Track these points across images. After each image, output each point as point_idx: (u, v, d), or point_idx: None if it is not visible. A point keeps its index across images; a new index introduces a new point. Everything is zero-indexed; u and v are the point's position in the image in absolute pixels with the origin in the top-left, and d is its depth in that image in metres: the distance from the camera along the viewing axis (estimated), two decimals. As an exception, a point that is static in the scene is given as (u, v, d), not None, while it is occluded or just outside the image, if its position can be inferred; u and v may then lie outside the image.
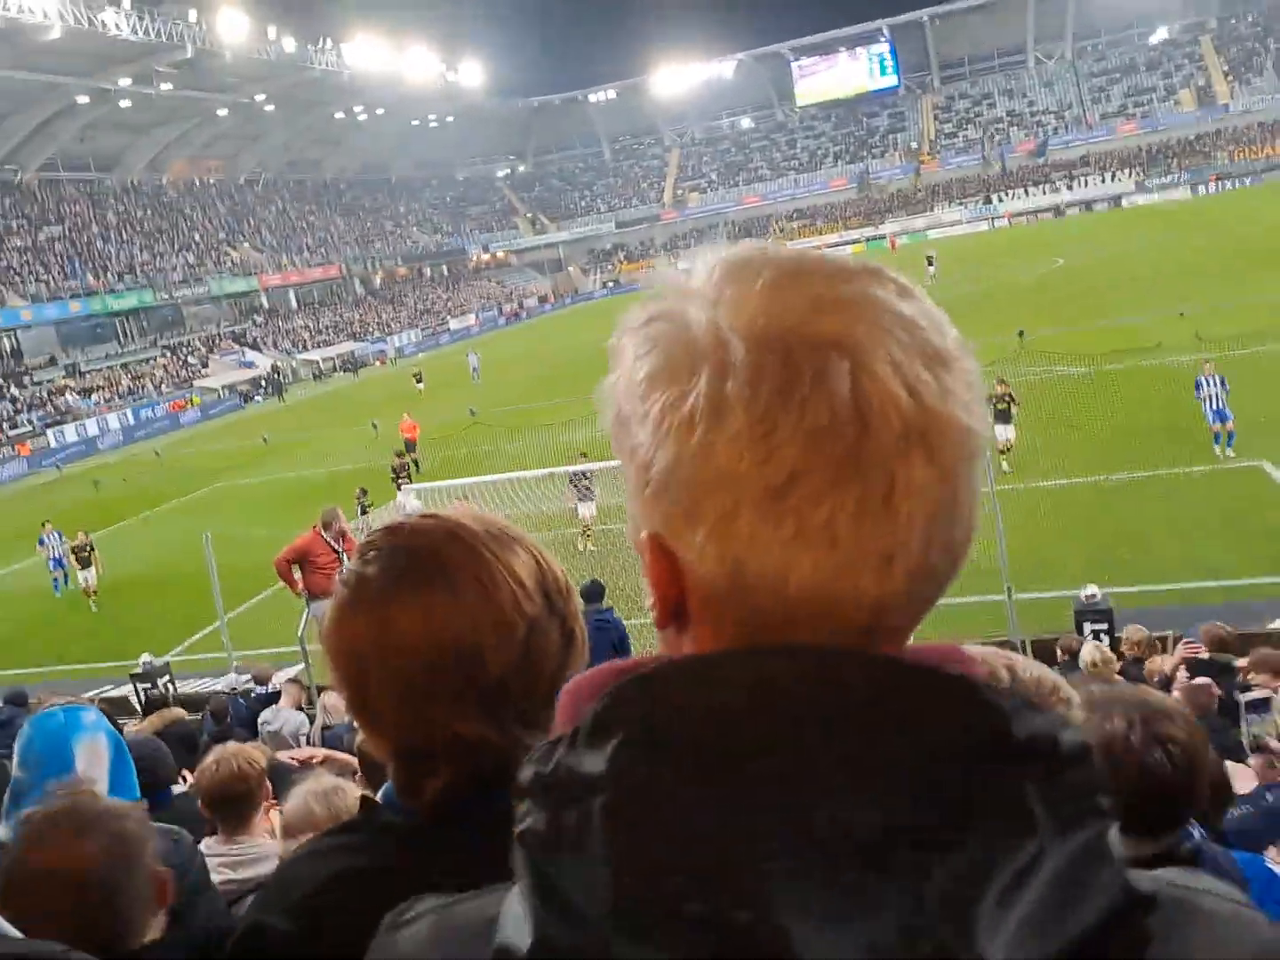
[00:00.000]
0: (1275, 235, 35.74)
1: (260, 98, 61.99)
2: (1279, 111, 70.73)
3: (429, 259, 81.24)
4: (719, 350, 0.54)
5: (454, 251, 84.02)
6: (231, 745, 3.33)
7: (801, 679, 0.51)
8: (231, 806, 2.99)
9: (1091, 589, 8.80)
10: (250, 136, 68.50)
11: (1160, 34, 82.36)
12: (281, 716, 7.29)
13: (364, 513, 15.88)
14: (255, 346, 56.80)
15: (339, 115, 72.08)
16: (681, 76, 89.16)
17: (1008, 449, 14.79)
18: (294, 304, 65.91)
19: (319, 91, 64.98)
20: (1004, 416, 14.45)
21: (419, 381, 36.22)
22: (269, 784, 3.17)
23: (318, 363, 56.11)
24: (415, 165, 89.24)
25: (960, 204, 76.15)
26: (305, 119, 69.89)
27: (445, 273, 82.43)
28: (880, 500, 0.52)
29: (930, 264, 41.15)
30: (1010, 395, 14.75)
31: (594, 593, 7.82)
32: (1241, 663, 5.25)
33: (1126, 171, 72.57)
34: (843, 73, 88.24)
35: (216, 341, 56.02)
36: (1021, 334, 22.59)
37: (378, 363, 57.03)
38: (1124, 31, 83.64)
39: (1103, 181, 72.78)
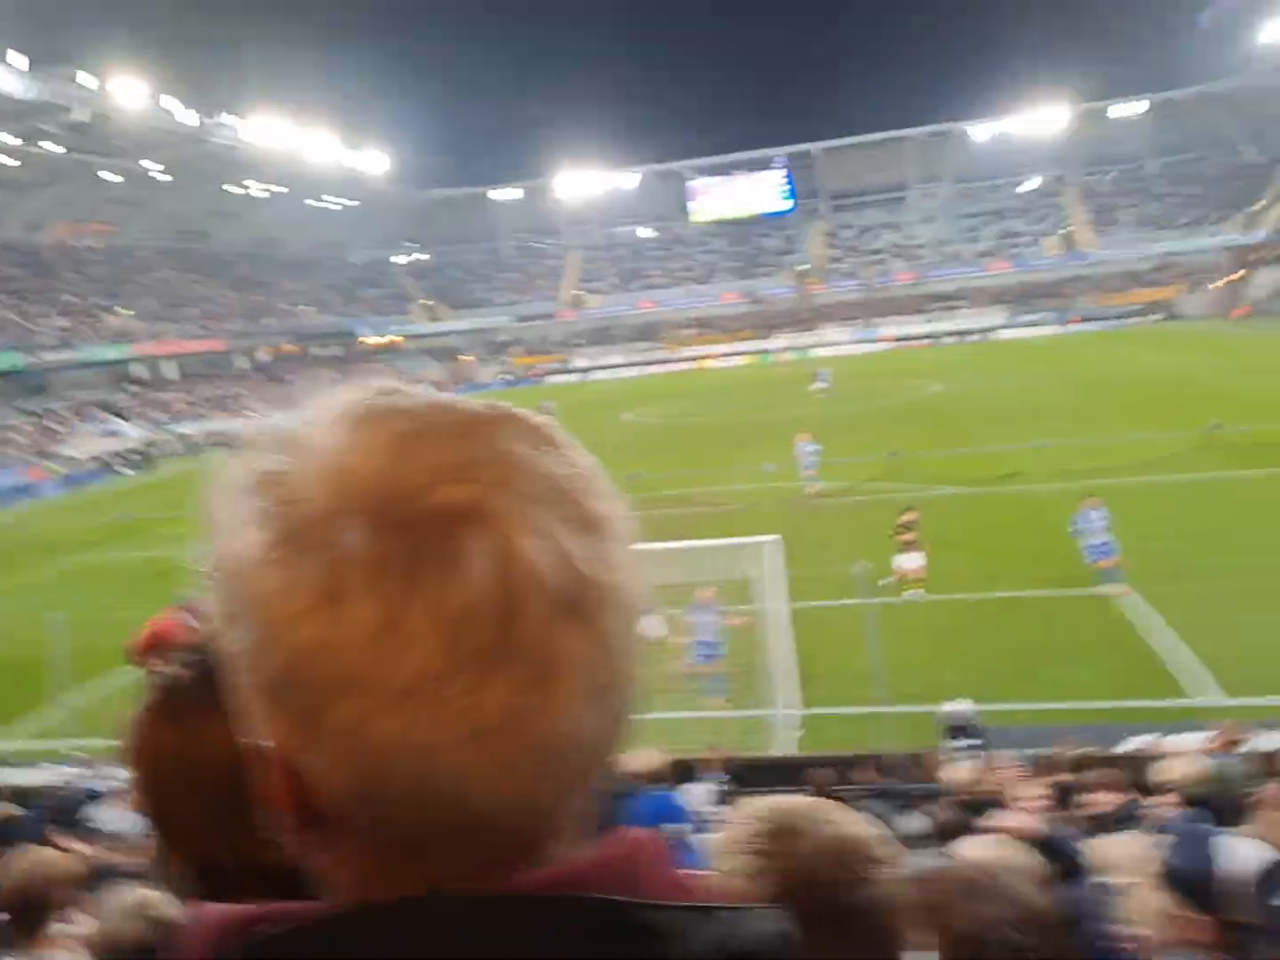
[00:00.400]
0: (1129, 378, 38.67)
1: (152, 165, 61.01)
2: (1134, 263, 77.63)
3: (318, 339, 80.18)
4: (336, 527, 0.46)
5: (344, 333, 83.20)
6: (37, 846, 3.05)
7: (443, 942, 0.45)
8: (17, 914, 2.73)
9: (961, 704, 9.02)
10: (139, 203, 67.13)
11: (1030, 183, 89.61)
12: (115, 814, 6.73)
13: None
14: (125, 416, 54.52)
15: (233, 189, 71.43)
16: (585, 183, 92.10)
17: (918, 578, 14.58)
18: (171, 375, 63.78)
19: (214, 164, 64.47)
20: (911, 546, 14.54)
21: None
22: (78, 892, 2.89)
23: (192, 436, 54.17)
24: (310, 245, 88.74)
25: (844, 325, 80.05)
26: (198, 190, 69.03)
27: (334, 354, 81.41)
28: (535, 686, 0.46)
29: (818, 379, 42.54)
30: (915, 524, 14.80)
31: None
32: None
33: (996, 307, 77.87)
34: (739, 194, 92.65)
35: (85, 410, 53.59)
36: (895, 454, 23.53)
37: (257, 440, 55.21)
38: (997, 178, 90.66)
39: (975, 315, 77.80)
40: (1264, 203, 76.04)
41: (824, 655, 12.29)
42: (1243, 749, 7.09)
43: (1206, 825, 2.77)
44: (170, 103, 57.33)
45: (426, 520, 0.46)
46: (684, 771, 7.18)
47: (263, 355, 73.54)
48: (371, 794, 0.47)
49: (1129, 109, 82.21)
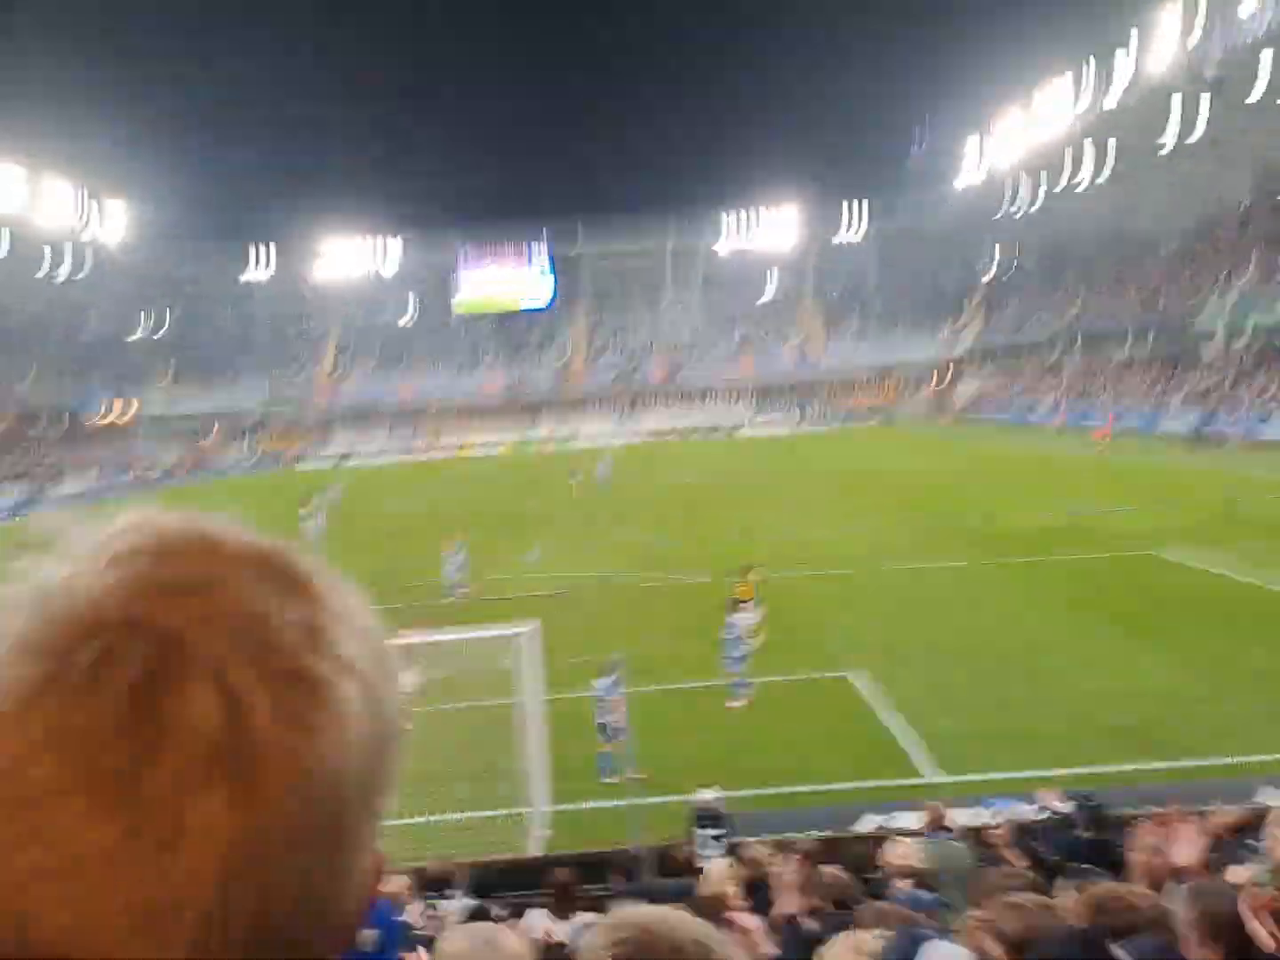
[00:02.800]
0: (850, 472, 42.22)
1: None
2: (856, 369, 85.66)
3: (45, 414, 72.86)
4: (17, 621, 0.44)
5: (75, 409, 76.15)
6: None
7: None
8: None
9: (707, 792, 9.30)
10: None
11: (770, 292, 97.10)
12: None
13: None
14: None
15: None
16: (347, 262, 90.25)
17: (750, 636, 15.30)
18: None
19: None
20: (743, 605, 15.40)
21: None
22: None
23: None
24: (39, 314, 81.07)
25: (603, 416, 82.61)
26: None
27: (63, 431, 74.16)
28: (159, 840, 0.40)
29: (573, 476, 42.88)
30: (753, 589, 15.79)
31: None
32: None
33: (742, 403, 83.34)
34: (503, 285, 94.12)
35: None
36: (649, 544, 24.34)
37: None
38: (742, 286, 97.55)
39: (723, 410, 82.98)
40: (965, 320, 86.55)
41: (579, 746, 12.36)
42: (954, 824, 7.78)
43: (921, 929, 2.93)
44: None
45: (104, 628, 0.43)
46: (429, 883, 6.95)
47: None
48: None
49: (855, 229, 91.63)
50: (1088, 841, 6.26)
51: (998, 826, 7.14)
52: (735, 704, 13.84)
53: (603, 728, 12.04)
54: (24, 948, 0.40)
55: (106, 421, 79.63)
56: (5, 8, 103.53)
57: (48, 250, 71.10)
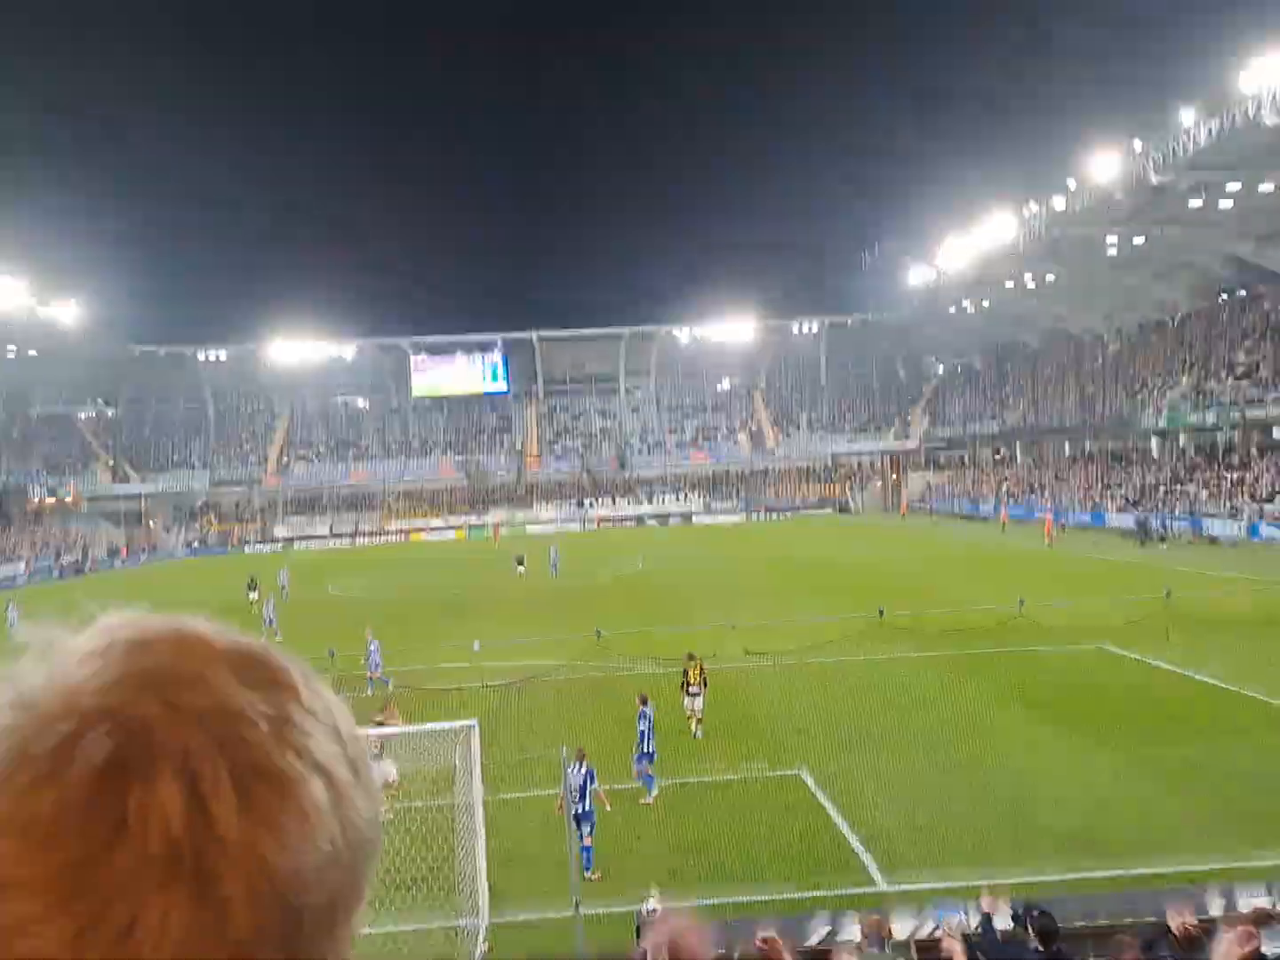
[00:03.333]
0: (801, 562, 42.47)
1: None
2: (809, 460, 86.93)
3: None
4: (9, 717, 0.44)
5: (12, 490, 74.42)
6: None
7: None
8: None
9: (652, 902, 9.04)
10: None
11: (724, 384, 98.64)
12: None
13: None
14: None
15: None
16: (300, 349, 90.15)
17: (697, 718, 16.89)
18: None
19: None
20: (693, 691, 16.81)
21: None
22: None
23: None
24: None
25: (557, 503, 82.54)
26: None
27: (-3, 511, 72.37)
28: (113, 936, 0.40)
29: (518, 565, 42.65)
30: (701, 671, 16.91)
31: None
32: None
33: (696, 492, 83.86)
34: (458, 373, 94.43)
35: None
36: (598, 634, 24.04)
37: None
38: (696, 378, 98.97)
39: (677, 499, 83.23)
40: (914, 416, 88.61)
41: (522, 849, 11.99)
42: (894, 935, 7.61)
43: None
44: None
45: (76, 723, 0.43)
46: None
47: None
48: None
49: (806, 327, 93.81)
50: (1039, 956, 6.16)
51: (939, 940, 6.99)
52: (647, 800, 13.76)
53: (579, 820, 11.41)
54: None
55: (45, 503, 77.82)
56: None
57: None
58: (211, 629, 0.50)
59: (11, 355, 75.99)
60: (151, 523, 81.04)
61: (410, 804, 11.96)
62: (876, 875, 11.25)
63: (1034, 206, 58.75)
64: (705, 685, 16.98)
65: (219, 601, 39.26)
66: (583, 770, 11.97)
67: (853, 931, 8.66)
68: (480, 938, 10.01)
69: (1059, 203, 55.80)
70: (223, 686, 0.46)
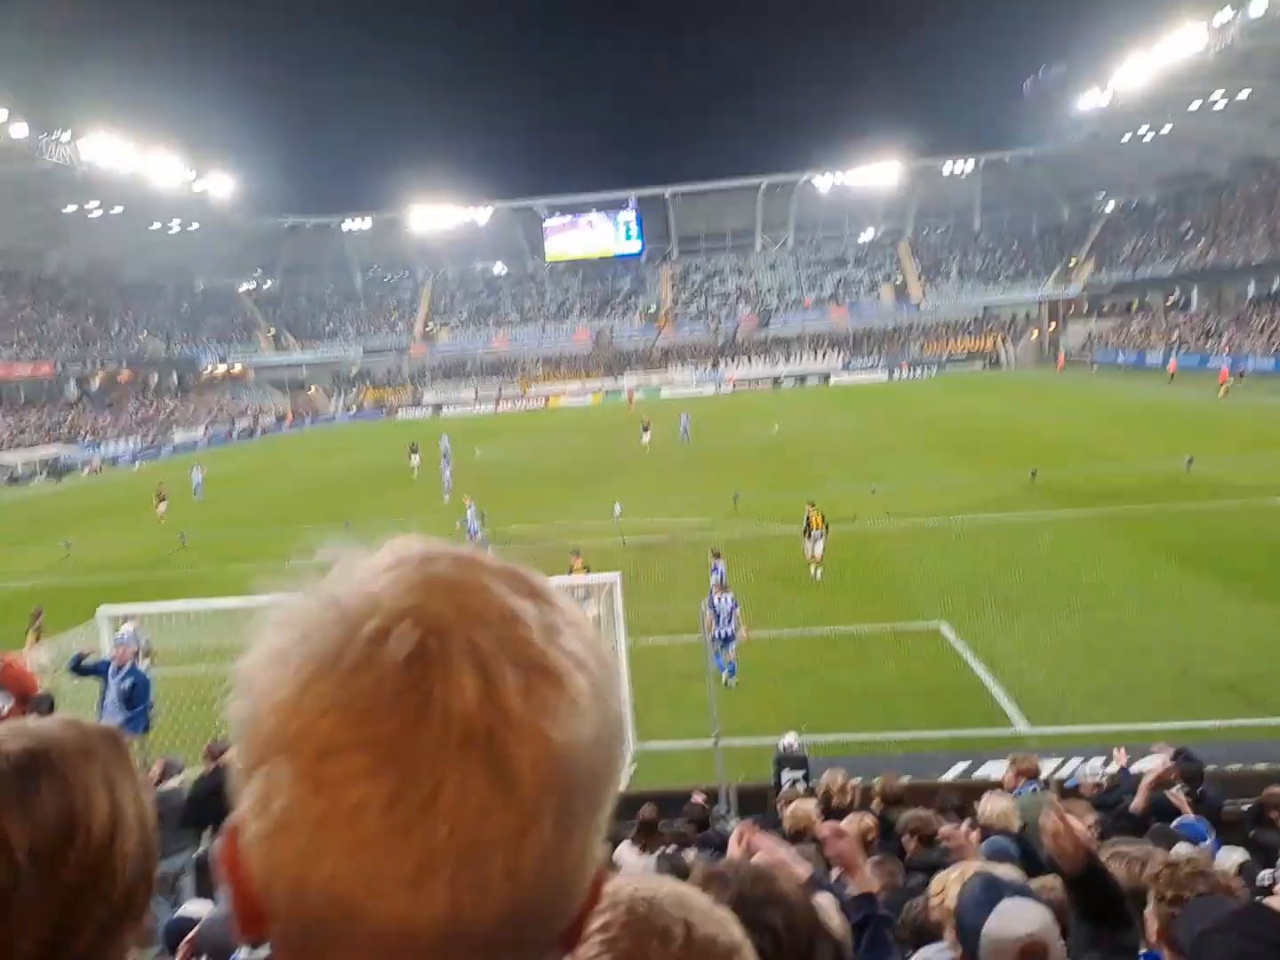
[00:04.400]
0: (947, 422, 41.15)
1: (-23, 181, 57.15)
2: (958, 313, 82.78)
3: (157, 366, 76.35)
4: (312, 615, 0.53)
5: (185, 361, 79.53)
6: None
7: None
8: None
9: (789, 737, 9.35)
10: (-40, 220, 62.37)
11: (867, 234, 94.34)
12: None
13: (39, 639, 14.25)
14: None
15: (69, 209, 67.36)
16: (438, 217, 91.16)
17: (816, 561, 17.75)
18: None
19: (48, 183, 60.66)
20: (813, 535, 17.79)
21: (161, 501, 30.33)
22: None
23: (16, 465, 50.53)
24: (151, 269, 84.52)
25: (692, 366, 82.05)
26: (29, 209, 64.70)
27: (174, 382, 77.63)
28: (420, 803, 0.47)
29: (646, 430, 40.46)
30: (823, 517, 17.83)
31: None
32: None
33: (835, 351, 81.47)
34: (592, 235, 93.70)
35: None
36: (736, 498, 24.18)
37: (86, 470, 52.22)
38: (837, 229, 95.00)
39: (815, 359, 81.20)
40: (1077, 260, 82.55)
41: (662, 690, 12.54)
42: (1038, 778, 7.63)
43: (1005, 879, 2.84)
44: (1, 115, 53.56)
45: (384, 619, 0.50)
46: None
47: (95, 382, 69.45)
48: (268, 874, 0.50)
49: (958, 167, 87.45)
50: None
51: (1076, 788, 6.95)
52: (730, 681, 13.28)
53: (726, 641, 13.13)
54: (301, 893, 0.49)
55: (218, 373, 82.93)
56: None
57: (160, 208, 73.37)
58: (484, 553, 0.59)
59: (175, 230, 79.95)
60: (312, 390, 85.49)
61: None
62: (1019, 722, 11.25)
63: (1227, 12, 52.36)
64: (827, 530, 17.88)
65: (381, 465, 41.45)
66: (730, 599, 13.37)
67: (996, 770, 8.75)
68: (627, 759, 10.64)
69: (1257, 7, 49.51)
70: (501, 594, 0.53)
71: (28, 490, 46.22)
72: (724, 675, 13.18)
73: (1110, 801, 6.35)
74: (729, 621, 13.19)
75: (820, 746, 10.33)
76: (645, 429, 40.59)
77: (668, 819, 7.29)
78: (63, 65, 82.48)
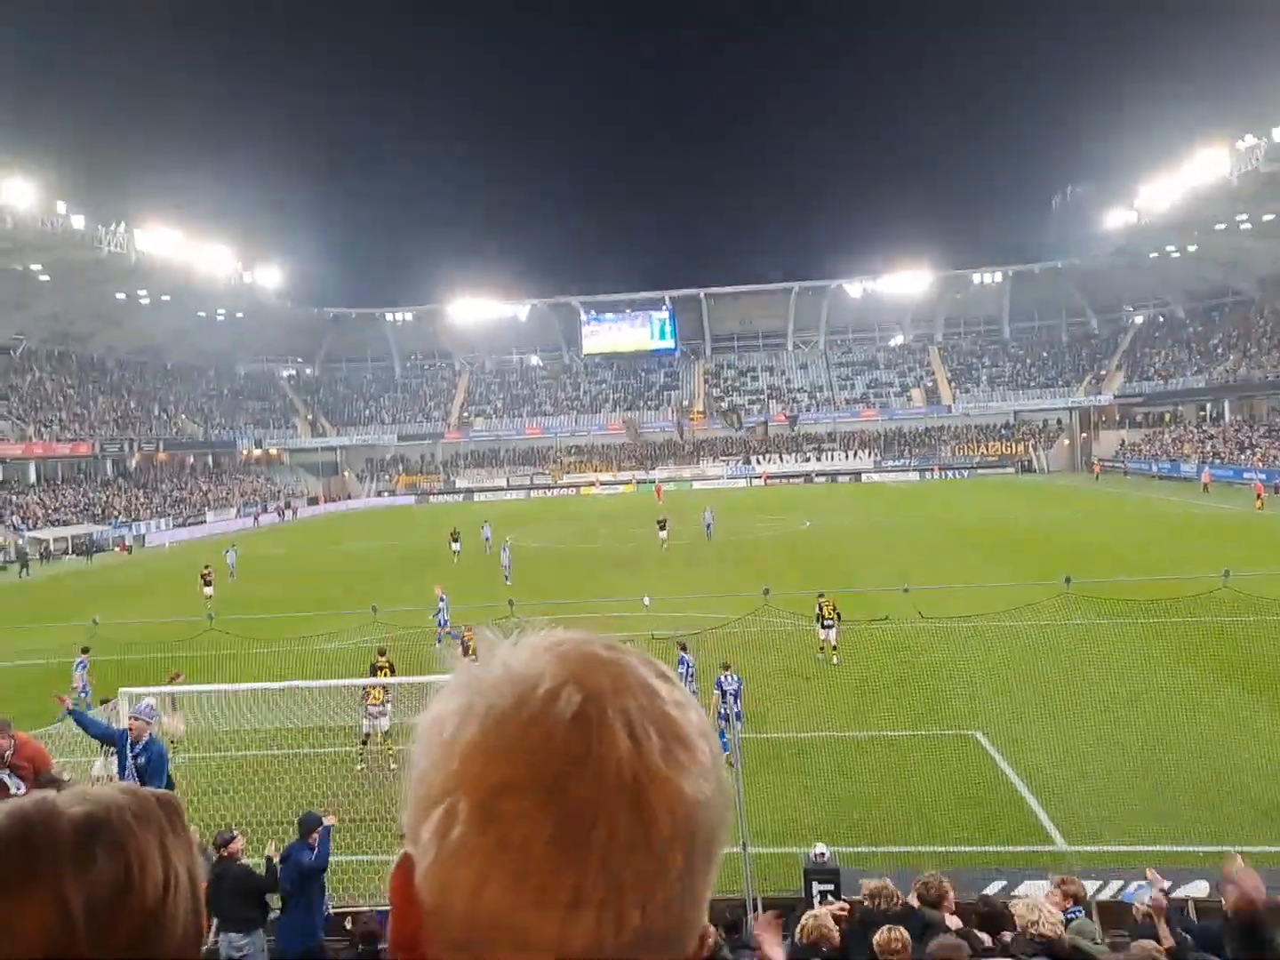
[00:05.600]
0: (981, 525, 40.82)
1: (35, 267, 59.48)
2: (989, 418, 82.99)
3: (195, 448, 77.79)
4: (490, 679, 0.61)
5: (222, 444, 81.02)
6: None
7: None
8: None
9: (821, 848, 9.08)
10: (16, 303, 64.73)
11: (897, 339, 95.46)
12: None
13: (174, 708, 14.56)
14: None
15: (120, 295, 69.84)
16: (478, 310, 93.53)
17: (831, 646, 18.90)
18: (32, 478, 60.68)
19: (102, 270, 63.06)
20: (827, 623, 18.85)
21: (207, 585, 29.54)
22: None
23: (48, 542, 51.20)
24: (195, 354, 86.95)
25: (723, 460, 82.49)
26: (83, 295, 67.17)
27: (210, 464, 78.95)
28: (578, 836, 0.54)
29: (662, 528, 38.76)
30: (834, 607, 19.02)
31: (305, 825, 8.14)
32: None
33: (866, 451, 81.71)
34: (627, 331, 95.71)
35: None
36: (767, 592, 23.99)
37: (117, 548, 52.81)
38: (868, 332, 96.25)
39: (846, 457, 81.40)
40: (1108, 370, 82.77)
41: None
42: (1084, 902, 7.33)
43: None
44: (62, 207, 56.40)
45: (549, 681, 0.59)
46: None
47: (133, 462, 70.78)
48: (440, 895, 0.57)
49: (987, 278, 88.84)
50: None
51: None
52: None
53: (737, 718, 12.84)
54: (471, 914, 0.56)
55: (251, 455, 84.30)
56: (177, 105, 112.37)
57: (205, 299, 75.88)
58: (608, 640, 0.67)
59: (221, 317, 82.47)
60: (346, 473, 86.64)
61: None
62: (1057, 839, 10.87)
63: (1250, 139, 53.54)
64: (839, 618, 19.00)
65: (417, 546, 41.60)
66: (734, 678, 13.91)
67: (1034, 890, 8.43)
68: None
69: (1280, 134, 50.68)
70: (642, 673, 0.62)
71: (57, 568, 46.74)
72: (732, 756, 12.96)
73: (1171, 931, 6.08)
74: (736, 701, 13.38)
75: (851, 856, 10.04)
76: (662, 526, 38.80)
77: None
78: (122, 161, 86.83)
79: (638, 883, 0.55)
